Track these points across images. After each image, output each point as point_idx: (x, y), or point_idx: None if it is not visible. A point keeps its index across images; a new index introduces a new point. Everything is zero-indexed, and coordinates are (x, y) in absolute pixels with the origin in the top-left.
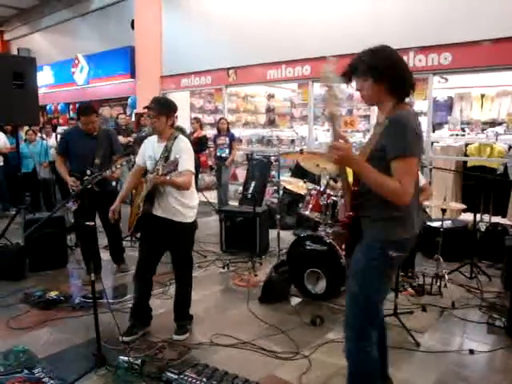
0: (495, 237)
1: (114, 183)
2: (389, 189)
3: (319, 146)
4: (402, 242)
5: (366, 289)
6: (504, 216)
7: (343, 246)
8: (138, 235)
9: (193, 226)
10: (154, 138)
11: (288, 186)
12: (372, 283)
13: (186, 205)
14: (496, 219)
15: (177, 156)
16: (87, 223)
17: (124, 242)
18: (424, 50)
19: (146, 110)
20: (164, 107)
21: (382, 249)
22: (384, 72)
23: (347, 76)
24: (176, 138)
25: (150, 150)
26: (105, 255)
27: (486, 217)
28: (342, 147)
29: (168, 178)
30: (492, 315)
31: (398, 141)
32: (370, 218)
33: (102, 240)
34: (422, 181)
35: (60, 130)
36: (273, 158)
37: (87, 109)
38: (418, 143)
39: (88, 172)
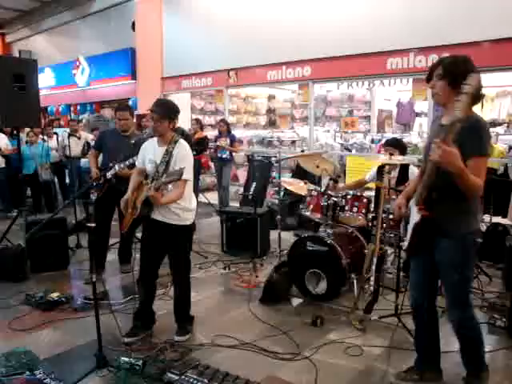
0: (496, 237)
1: None
2: (476, 186)
3: (320, 147)
4: (479, 229)
5: (467, 273)
6: (504, 216)
7: (344, 248)
8: (139, 236)
9: (191, 228)
10: (154, 140)
11: (289, 187)
12: (471, 268)
13: (184, 208)
14: (497, 219)
15: (182, 166)
16: (88, 224)
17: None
18: (424, 50)
19: (146, 112)
20: (168, 111)
21: (473, 238)
22: (458, 77)
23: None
24: (177, 141)
25: (151, 153)
26: (109, 256)
27: (487, 217)
28: (453, 152)
29: (170, 186)
30: (493, 315)
31: (478, 141)
32: (452, 213)
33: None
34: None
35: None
36: (273, 159)
37: (123, 105)
38: (490, 143)
39: (110, 164)
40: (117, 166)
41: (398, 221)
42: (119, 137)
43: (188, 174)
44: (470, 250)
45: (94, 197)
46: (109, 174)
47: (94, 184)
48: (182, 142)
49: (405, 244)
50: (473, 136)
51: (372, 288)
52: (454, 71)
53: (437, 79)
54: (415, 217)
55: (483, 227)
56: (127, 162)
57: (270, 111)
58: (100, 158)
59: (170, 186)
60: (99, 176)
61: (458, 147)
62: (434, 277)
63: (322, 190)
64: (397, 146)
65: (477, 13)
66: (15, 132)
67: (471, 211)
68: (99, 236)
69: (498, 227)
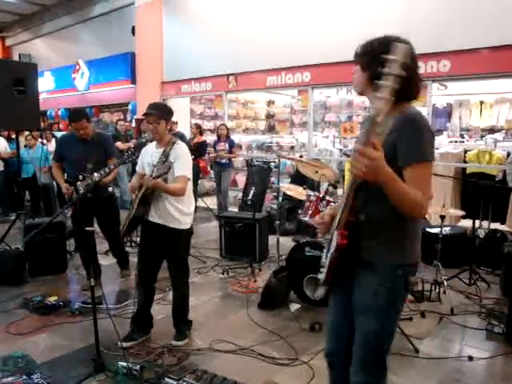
0: (494, 243)
1: (110, 189)
2: (416, 202)
3: (319, 153)
4: (417, 264)
5: (390, 322)
6: (503, 222)
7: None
8: (137, 239)
9: (189, 232)
10: (153, 145)
11: (288, 192)
12: (395, 315)
13: (183, 211)
14: (495, 226)
15: (171, 160)
16: (87, 228)
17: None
18: (423, 57)
19: (142, 116)
20: (162, 111)
21: (403, 275)
22: (374, 57)
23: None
24: (174, 143)
25: (149, 156)
26: (106, 260)
27: (485, 223)
28: (372, 155)
29: (160, 179)
30: (491, 322)
31: (417, 142)
32: (383, 238)
33: (103, 246)
34: None
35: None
36: (272, 164)
37: (77, 114)
38: (433, 145)
39: (80, 177)
40: (96, 176)
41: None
42: (81, 144)
43: (186, 171)
44: (397, 290)
45: (68, 212)
46: (81, 188)
47: (69, 200)
48: (180, 143)
49: (321, 276)
50: (409, 137)
51: None
52: (365, 50)
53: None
54: (334, 245)
55: (482, 233)
56: (107, 169)
57: (269, 116)
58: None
59: (160, 179)
60: (72, 191)
61: (390, 153)
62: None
63: (321, 195)
64: None
65: (476, 20)
66: (13, 136)
67: (409, 237)
68: (85, 247)
69: (496, 233)
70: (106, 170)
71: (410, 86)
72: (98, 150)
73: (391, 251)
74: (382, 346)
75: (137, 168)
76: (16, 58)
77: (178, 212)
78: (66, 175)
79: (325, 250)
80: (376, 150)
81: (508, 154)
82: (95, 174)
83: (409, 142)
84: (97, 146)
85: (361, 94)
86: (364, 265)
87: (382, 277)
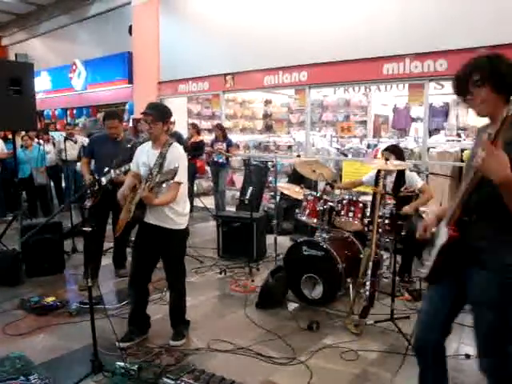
0: None
1: None
2: None
3: (316, 152)
4: None
5: (508, 316)
6: None
7: (340, 252)
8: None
9: (185, 233)
10: (148, 144)
11: (284, 191)
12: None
13: (178, 212)
14: None
15: (176, 165)
16: (83, 229)
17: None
18: (420, 56)
19: (141, 116)
20: (160, 113)
21: None
22: (507, 79)
23: (461, 84)
24: (171, 145)
25: (144, 156)
26: (103, 261)
27: None
28: (500, 155)
29: (164, 185)
30: None
31: None
32: (498, 237)
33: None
34: (419, 183)
35: (56, 135)
36: (270, 163)
37: (110, 114)
38: None
39: (106, 169)
40: (113, 173)
41: (396, 227)
42: (111, 143)
43: (181, 177)
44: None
45: (88, 203)
46: (104, 180)
47: (89, 190)
48: (176, 145)
49: (424, 270)
50: None
51: (368, 293)
52: (498, 71)
53: (474, 87)
54: (443, 238)
55: None
56: (123, 169)
57: (266, 116)
58: (93, 163)
59: (164, 185)
60: (94, 182)
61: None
62: (452, 315)
63: (319, 194)
64: (393, 151)
65: (473, 19)
66: (10, 136)
67: None
68: (95, 241)
69: None
70: (127, 167)
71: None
72: (126, 151)
73: (503, 251)
74: (501, 334)
75: (131, 167)
76: (12, 57)
77: (174, 213)
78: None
79: (430, 249)
80: (498, 149)
81: None
82: (121, 169)
83: None
84: (125, 147)
85: (489, 115)
86: (477, 263)
87: (497, 275)
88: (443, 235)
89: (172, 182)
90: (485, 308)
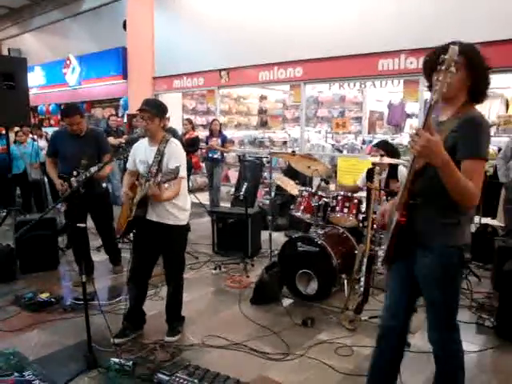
0: (485, 238)
1: (104, 184)
2: (468, 191)
3: (311, 148)
4: (469, 245)
5: (451, 292)
6: (494, 217)
7: (334, 248)
8: (131, 237)
9: (186, 228)
10: (145, 141)
11: (279, 183)
12: (456, 286)
13: (180, 207)
14: (486, 220)
15: (177, 165)
16: (78, 225)
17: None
18: (415, 52)
19: (137, 112)
20: (157, 109)
21: (459, 254)
22: (478, 66)
23: (430, 66)
24: (168, 140)
25: (142, 153)
26: (97, 257)
27: (477, 218)
28: (430, 139)
29: (166, 185)
30: (481, 315)
31: (473, 141)
32: (440, 220)
33: (95, 242)
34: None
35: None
36: (265, 159)
37: (70, 110)
38: (489, 146)
39: (74, 173)
40: (92, 170)
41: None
42: (74, 139)
43: (182, 172)
44: (454, 267)
45: (63, 207)
46: (74, 183)
47: (62, 197)
48: (174, 141)
49: (381, 254)
50: (469, 135)
51: (362, 288)
52: (474, 59)
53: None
54: (394, 223)
55: (473, 228)
56: (101, 164)
57: (261, 112)
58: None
59: (166, 185)
60: (66, 187)
61: (451, 147)
62: (413, 297)
63: (313, 190)
64: (384, 147)
65: (468, 15)
66: (3, 131)
67: (460, 223)
68: (78, 243)
69: (487, 228)
70: (100, 164)
71: (476, 88)
72: (92, 145)
73: (444, 234)
74: (448, 309)
75: (128, 165)
76: (5, 52)
77: (176, 208)
78: (58, 171)
79: (386, 233)
80: (431, 133)
81: (499, 150)
82: (91, 169)
83: (468, 138)
84: (90, 141)
85: (450, 99)
86: (421, 245)
87: (438, 256)
88: (394, 222)
89: (175, 181)
90: (433, 287)
